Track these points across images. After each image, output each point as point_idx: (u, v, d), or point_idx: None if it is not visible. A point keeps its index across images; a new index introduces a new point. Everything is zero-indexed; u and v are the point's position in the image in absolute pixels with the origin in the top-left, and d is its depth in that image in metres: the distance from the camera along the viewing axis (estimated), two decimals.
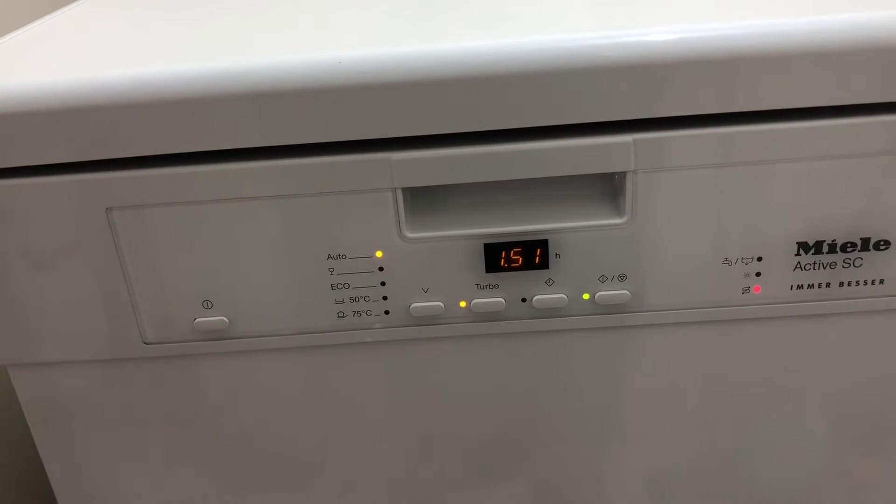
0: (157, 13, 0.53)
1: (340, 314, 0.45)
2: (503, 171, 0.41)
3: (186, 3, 0.56)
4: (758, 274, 0.44)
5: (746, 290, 0.44)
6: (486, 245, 0.43)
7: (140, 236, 0.43)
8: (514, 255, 0.44)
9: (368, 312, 0.45)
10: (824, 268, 0.44)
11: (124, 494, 0.52)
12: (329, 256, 0.44)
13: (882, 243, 0.43)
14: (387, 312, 0.45)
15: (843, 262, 0.44)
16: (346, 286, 0.44)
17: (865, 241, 0.43)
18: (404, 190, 0.42)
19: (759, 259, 0.44)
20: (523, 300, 0.45)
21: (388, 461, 0.51)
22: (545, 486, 0.52)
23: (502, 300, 0.45)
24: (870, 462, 0.51)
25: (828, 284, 0.44)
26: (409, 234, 0.43)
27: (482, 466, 0.51)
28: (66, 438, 0.50)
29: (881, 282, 0.44)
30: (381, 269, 0.44)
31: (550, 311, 0.45)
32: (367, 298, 0.45)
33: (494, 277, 0.44)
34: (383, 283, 0.44)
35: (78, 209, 0.42)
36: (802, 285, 0.44)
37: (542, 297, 0.45)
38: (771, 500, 0.52)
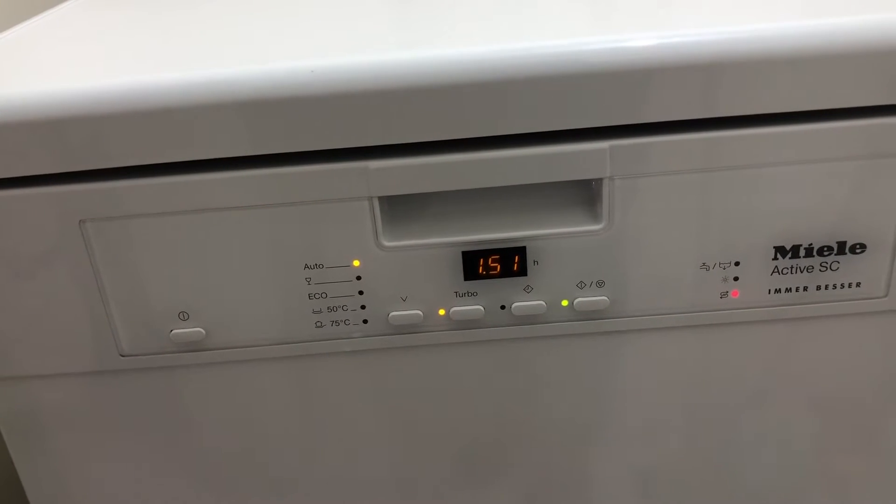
0: (133, 21, 0.53)
1: (318, 324, 0.45)
2: (480, 178, 0.41)
3: (162, 11, 0.55)
4: (735, 278, 0.44)
5: (724, 294, 0.45)
6: (464, 253, 0.43)
7: (114, 248, 0.42)
8: (492, 262, 0.44)
9: (347, 321, 0.45)
10: (801, 272, 0.44)
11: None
12: (306, 266, 0.43)
13: (858, 247, 0.43)
14: (365, 321, 0.45)
15: (820, 265, 0.44)
16: (324, 295, 0.44)
17: (842, 244, 0.43)
18: (381, 198, 0.42)
19: (737, 264, 0.44)
20: (502, 307, 0.45)
21: (370, 470, 0.51)
22: (526, 494, 0.52)
23: (481, 308, 0.45)
24: (849, 462, 0.52)
25: (805, 288, 0.44)
26: (387, 243, 0.43)
27: (464, 473, 0.51)
28: (42, 451, 0.50)
29: (858, 285, 0.44)
30: (358, 277, 0.44)
31: (529, 318, 0.45)
32: (345, 307, 0.44)
33: (473, 285, 0.44)
34: (361, 293, 0.44)
35: (51, 221, 0.41)
36: (780, 289, 0.44)
37: (520, 304, 0.45)
38: (752, 499, 0.53)
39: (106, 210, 0.41)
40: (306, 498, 0.52)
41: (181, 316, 0.44)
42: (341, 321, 0.45)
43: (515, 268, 0.44)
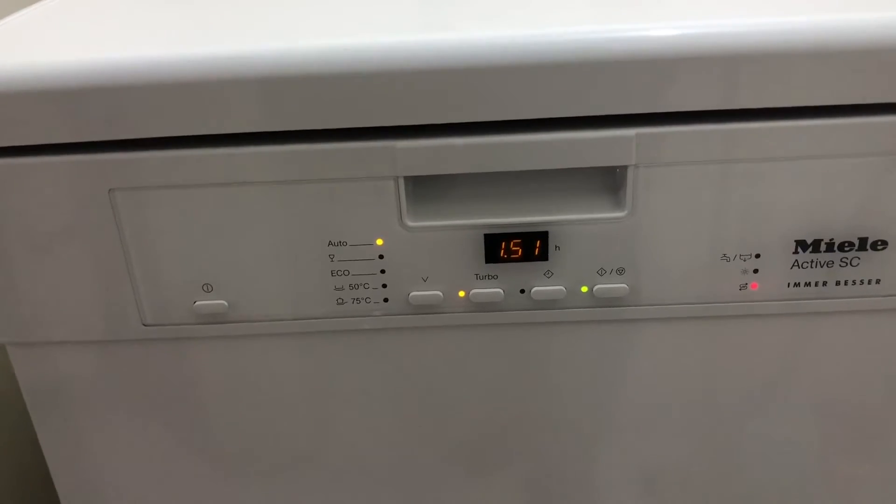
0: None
1: (340, 301, 0.45)
2: (506, 161, 0.42)
3: None
4: (755, 271, 0.44)
5: (744, 286, 0.45)
6: (486, 235, 0.44)
7: (142, 218, 0.43)
8: (513, 246, 0.44)
9: (368, 300, 0.45)
10: (821, 266, 0.44)
11: (120, 475, 0.53)
12: (330, 243, 0.44)
13: (880, 243, 0.43)
14: (386, 300, 0.45)
15: (841, 261, 0.44)
16: (346, 273, 0.45)
17: (863, 240, 0.43)
18: (407, 178, 0.42)
19: (758, 256, 0.44)
20: (522, 291, 0.45)
21: (384, 447, 0.51)
22: (540, 474, 0.52)
23: (501, 291, 0.45)
24: (863, 460, 0.52)
25: (825, 283, 0.45)
26: (411, 223, 0.43)
27: (478, 454, 0.52)
28: (63, 419, 0.50)
29: (878, 281, 0.44)
30: (381, 256, 0.44)
31: (548, 303, 0.45)
32: (366, 286, 0.45)
33: (494, 268, 0.45)
34: (383, 271, 0.45)
35: (80, 190, 0.42)
36: (799, 283, 0.45)
37: (540, 289, 0.45)
38: (763, 492, 0.53)
39: (136, 180, 0.42)
40: (318, 468, 0.52)
41: (205, 288, 0.45)
42: (362, 299, 0.45)
43: (537, 252, 0.44)
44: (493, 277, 0.45)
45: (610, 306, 0.46)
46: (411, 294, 0.45)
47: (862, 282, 0.44)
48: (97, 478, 0.53)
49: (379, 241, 0.44)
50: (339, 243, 0.44)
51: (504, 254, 0.44)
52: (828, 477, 0.52)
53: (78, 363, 0.48)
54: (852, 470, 0.52)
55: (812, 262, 0.44)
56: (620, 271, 0.44)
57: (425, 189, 0.44)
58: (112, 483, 0.53)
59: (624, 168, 0.42)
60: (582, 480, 0.53)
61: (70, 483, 0.53)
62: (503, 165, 0.42)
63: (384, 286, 0.45)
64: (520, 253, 0.44)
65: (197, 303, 0.45)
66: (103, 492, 0.54)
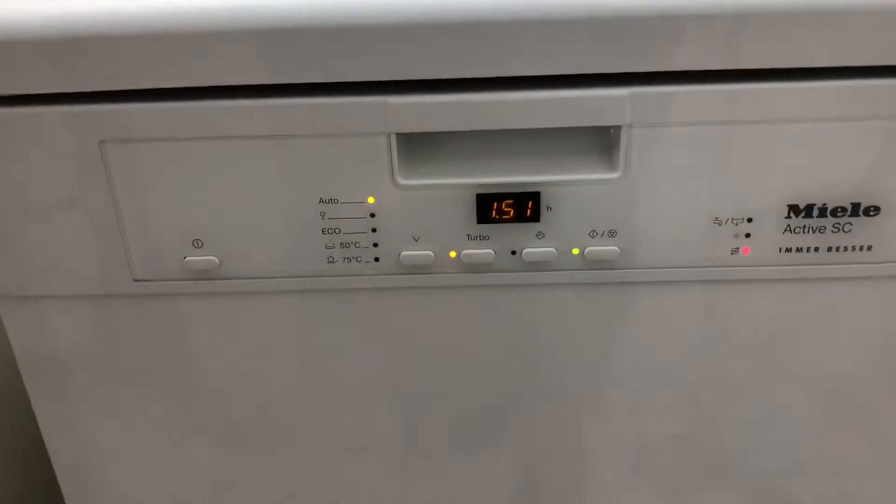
0: None
1: (330, 259, 0.45)
2: (499, 119, 0.41)
3: None
4: (747, 235, 0.44)
5: (735, 251, 0.45)
6: (478, 195, 0.43)
7: (132, 171, 0.43)
8: (505, 206, 0.44)
9: (358, 259, 0.45)
10: (814, 232, 0.44)
11: (112, 435, 0.53)
12: (321, 200, 0.44)
13: (872, 209, 0.43)
14: (377, 259, 0.45)
15: (833, 226, 0.44)
16: (338, 231, 0.44)
17: (856, 206, 0.43)
18: (399, 135, 0.42)
19: (750, 220, 0.44)
20: (513, 252, 0.45)
21: (374, 406, 0.51)
22: (530, 436, 0.53)
23: (492, 252, 0.45)
24: (855, 427, 0.52)
25: (816, 249, 0.45)
26: (402, 181, 0.43)
27: (468, 415, 0.52)
28: (54, 377, 0.50)
29: (869, 248, 0.44)
30: (372, 215, 0.44)
31: (540, 265, 0.45)
32: (357, 244, 0.45)
33: (485, 228, 0.44)
34: (374, 230, 0.44)
35: (71, 141, 0.42)
36: (791, 248, 0.45)
37: (531, 251, 0.45)
38: (755, 456, 0.53)
39: (127, 132, 0.41)
40: (309, 428, 0.52)
41: (195, 243, 0.45)
42: (353, 258, 0.45)
43: (529, 213, 0.44)
44: (484, 238, 0.45)
45: (601, 269, 0.45)
46: (402, 254, 0.45)
47: (854, 248, 0.44)
48: (88, 438, 0.53)
49: (370, 199, 0.44)
50: (331, 200, 0.44)
51: (496, 214, 0.44)
52: (819, 441, 0.52)
53: (69, 319, 0.48)
54: (844, 436, 0.52)
55: (804, 227, 0.44)
56: (612, 234, 0.44)
57: (418, 147, 0.43)
58: (103, 442, 0.53)
59: (618, 128, 0.42)
60: (572, 443, 0.53)
61: (61, 444, 0.53)
62: (496, 123, 0.41)
63: (375, 245, 0.45)
64: (511, 214, 0.44)
65: (187, 258, 0.45)
66: (95, 452, 0.54)
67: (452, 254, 0.45)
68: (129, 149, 0.42)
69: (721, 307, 0.47)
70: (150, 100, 0.41)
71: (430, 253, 0.45)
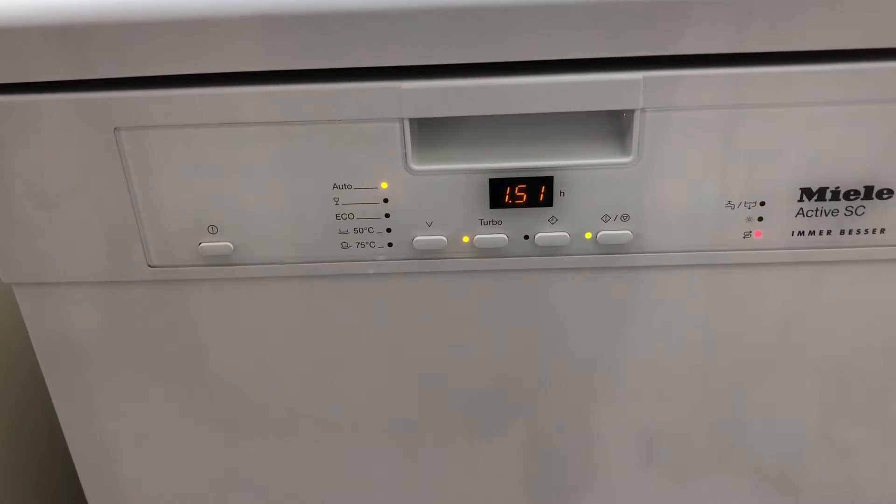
0: None
1: (344, 244, 0.45)
2: (512, 104, 0.41)
3: None
4: (760, 219, 0.44)
5: (748, 234, 0.45)
6: (491, 180, 0.44)
7: (147, 158, 0.43)
8: (518, 191, 0.44)
9: (372, 244, 0.46)
10: (826, 215, 0.44)
11: (127, 419, 0.53)
12: (335, 186, 0.44)
13: (885, 192, 0.43)
14: (390, 245, 0.45)
15: (846, 209, 0.44)
16: (351, 216, 0.45)
17: (869, 189, 0.43)
18: (412, 121, 0.42)
19: (762, 204, 0.44)
20: (526, 237, 0.45)
21: (386, 391, 0.52)
22: (541, 420, 0.53)
23: (505, 237, 0.45)
24: (865, 411, 0.52)
25: (829, 232, 0.45)
26: (416, 167, 0.43)
27: (480, 399, 0.52)
28: (70, 363, 0.51)
29: (882, 231, 0.44)
30: (385, 200, 0.44)
31: (552, 250, 0.46)
32: (370, 230, 0.45)
33: (498, 213, 0.45)
34: (387, 215, 0.45)
35: (85, 128, 0.42)
36: (804, 232, 0.45)
37: (544, 235, 0.45)
38: (765, 440, 0.53)
39: (141, 119, 0.42)
40: (320, 414, 0.53)
41: (210, 229, 0.45)
42: (367, 243, 0.45)
43: (542, 198, 0.44)
44: (497, 223, 0.45)
45: (614, 253, 0.46)
46: (415, 239, 0.45)
47: (867, 231, 0.44)
48: (103, 421, 0.53)
49: (384, 185, 0.44)
50: (344, 186, 0.44)
51: (509, 199, 0.44)
52: (831, 426, 0.52)
53: (85, 306, 0.49)
54: (855, 421, 0.52)
55: (817, 210, 0.44)
56: (625, 218, 0.44)
57: (431, 132, 0.43)
58: (120, 427, 0.54)
59: (631, 112, 0.42)
60: (583, 426, 0.53)
61: (77, 428, 0.54)
62: (509, 108, 0.41)
63: (388, 230, 0.45)
64: (524, 198, 0.44)
65: (202, 244, 0.45)
66: (112, 436, 0.54)
67: (465, 239, 0.45)
68: (144, 136, 0.42)
69: (734, 291, 0.47)
70: (165, 87, 0.41)
71: (443, 238, 0.45)
